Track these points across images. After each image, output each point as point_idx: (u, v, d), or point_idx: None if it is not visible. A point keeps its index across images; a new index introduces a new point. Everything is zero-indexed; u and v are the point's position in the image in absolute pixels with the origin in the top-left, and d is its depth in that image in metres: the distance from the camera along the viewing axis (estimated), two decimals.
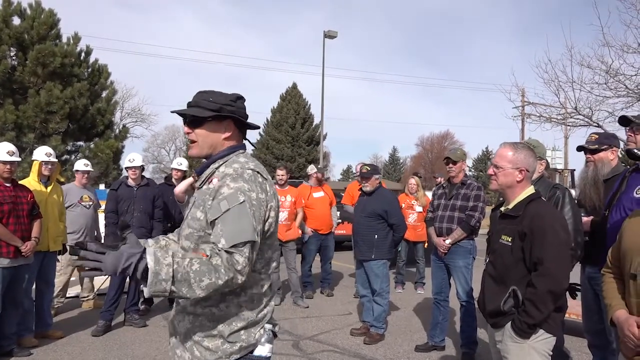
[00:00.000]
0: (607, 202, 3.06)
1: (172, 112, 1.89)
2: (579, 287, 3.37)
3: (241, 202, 1.65)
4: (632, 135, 2.93)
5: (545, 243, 2.26)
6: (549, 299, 2.25)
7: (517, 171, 2.44)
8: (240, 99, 1.90)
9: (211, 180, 1.78)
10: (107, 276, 1.77)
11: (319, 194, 7.43)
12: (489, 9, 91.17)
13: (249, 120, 1.95)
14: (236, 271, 1.59)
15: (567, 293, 3.30)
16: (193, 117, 1.82)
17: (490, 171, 2.52)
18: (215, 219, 1.65)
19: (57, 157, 5.65)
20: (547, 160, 3.79)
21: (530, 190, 2.47)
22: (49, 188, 5.16)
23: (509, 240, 2.39)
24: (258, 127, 2.05)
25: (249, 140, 2.00)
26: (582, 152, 3.66)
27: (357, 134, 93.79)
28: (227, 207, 1.64)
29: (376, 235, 5.19)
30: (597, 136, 3.65)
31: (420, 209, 7.90)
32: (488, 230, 2.77)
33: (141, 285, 1.56)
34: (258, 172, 1.76)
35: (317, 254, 7.47)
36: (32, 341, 4.81)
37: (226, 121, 1.85)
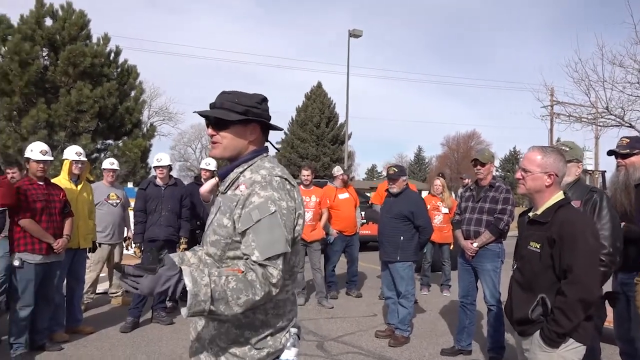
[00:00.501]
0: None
1: (194, 112, 1.85)
2: (616, 294, 3.29)
3: (272, 213, 1.63)
4: None
5: (575, 250, 2.21)
6: (579, 308, 2.20)
7: (546, 175, 2.39)
8: (265, 100, 1.86)
9: (237, 186, 1.75)
10: None
11: (344, 196, 7.43)
12: (516, 6, 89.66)
13: (271, 122, 1.91)
14: (271, 285, 1.60)
15: (607, 301, 3.24)
16: (218, 119, 1.77)
17: (518, 175, 2.47)
18: (246, 229, 1.64)
19: (86, 156, 5.77)
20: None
21: (559, 195, 2.42)
22: (79, 186, 5.27)
23: (538, 246, 2.35)
24: (282, 129, 2.03)
25: (271, 143, 1.95)
26: (613, 156, 3.58)
27: (382, 133, 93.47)
28: (258, 217, 1.63)
29: (402, 237, 5.16)
30: (628, 140, 3.56)
31: (446, 210, 7.83)
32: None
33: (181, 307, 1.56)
34: (286, 179, 1.74)
35: (343, 254, 7.48)
36: (63, 336, 4.93)
37: (252, 124, 1.81)
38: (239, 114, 1.76)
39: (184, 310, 1.53)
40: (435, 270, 8.15)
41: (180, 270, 1.55)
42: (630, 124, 14.06)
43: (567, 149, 3.24)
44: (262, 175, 1.72)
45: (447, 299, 7.33)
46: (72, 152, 5.24)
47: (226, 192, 1.79)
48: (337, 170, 7.69)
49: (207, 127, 1.83)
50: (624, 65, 13.54)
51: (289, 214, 1.68)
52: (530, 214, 2.50)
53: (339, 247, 7.33)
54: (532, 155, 2.44)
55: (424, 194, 8.63)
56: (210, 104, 1.83)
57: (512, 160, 59.37)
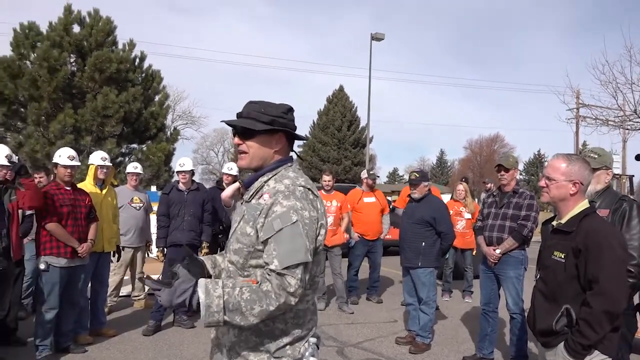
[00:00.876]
0: None
1: (222, 121, 1.88)
2: None
3: (294, 222, 1.64)
4: None
5: (601, 260, 2.16)
6: (605, 320, 2.14)
7: (571, 184, 2.34)
8: (291, 110, 1.87)
9: (261, 195, 1.76)
10: (158, 276, 1.84)
11: (370, 199, 7.41)
12: (540, 7, 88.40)
13: (296, 131, 1.92)
14: (288, 294, 1.60)
15: (638, 313, 3.15)
16: (245, 128, 1.79)
17: (542, 183, 2.42)
18: (268, 238, 1.65)
19: (111, 160, 5.87)
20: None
21: (584, 204, 2.37)
22: (104, 191, 5.36)
23: (562, 256, 2.30)
24: (307, 139, 2.06)
25: (296, 153, 1.96)
26: None
27: (403, 136, 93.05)
28: (280, 226, 1.64)
29: (423, 243, 5.11)
30: None
31: (468, 215, 7.74)
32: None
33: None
34: (309, 189, 1.75)
35: (365, 258, 7.45)
36: (87, 339, 5.02)
37: (278, 134, 1.83)
38: (265, 124, 1.78)
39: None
40: (457, 276, 8.05)
41: (196, 283, 1.62)
42: None
43: (596, 156, 3.16)
44: (286, 184, 1.73)
45: (469, 305, 7.24)
46: (98, 157, 5.34)
47: (250, 201, 1.80)
48: (363, 174, 7.78)
49: (234, 136, 1.85)
50: None
51: (311, 224, 1.68)
52: (554, 223, 2.45)
53: (360, 252, 7.31)
54: (557, 163, 2.39)
55: (446, 198, 8.55)
56: (237, 114, 1.85)
57: (537, 163, 58.50)
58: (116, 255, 5.64)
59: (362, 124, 36.35)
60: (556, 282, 2.33)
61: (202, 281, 1.61)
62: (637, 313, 3.13)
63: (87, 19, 14.85)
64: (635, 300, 3.13)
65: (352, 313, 6.54)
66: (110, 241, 5.35)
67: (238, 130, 1.82)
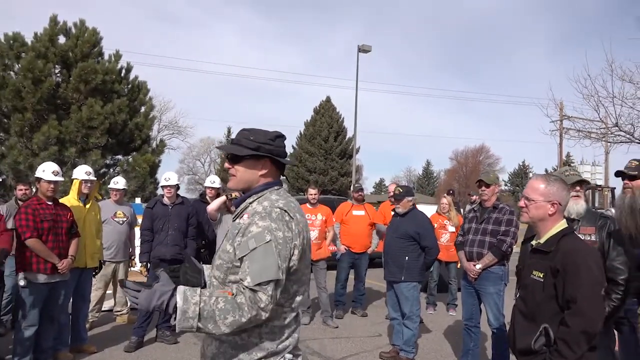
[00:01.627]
0: None
1: (216, 147, 2.06)
2: (621, 320, 3.25)
3: (267, 242, 1.74)
4: None
5: (579, 281, 2.20)
6: (582, 339, 2.18)
7: (550, 204, 2.38)
8: (279, 137, 2.01)
9: (242, 216, 1.88)
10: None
11: (359, 212, 7.44)
12: (525, 22, 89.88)
13: (286, 156, 2.05)
14: (259, 309, 1.69)
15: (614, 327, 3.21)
16: (233, 153, 1.95)
17: (522, 203, 2.47)
18: (244, 256, 1.75)
19: (96, 171, 5.83)
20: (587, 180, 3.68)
21: (562, 224, 2.41)
22: (88, 206, 5.31)
23: (541, 276, 2.33)
24: (295, 164, 2.14)
25: (286, 177, 2.09)
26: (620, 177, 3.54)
27: (390, 147, 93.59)
28: (254, 245, 1.74)
29: (407, 257, 5.13)
30: (637, 162, 3.51)
31: (452, 228, 7.80)
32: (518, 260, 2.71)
33: (172, 320, 1.70)
34: (286, 211, 1.83)
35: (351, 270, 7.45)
36: (67, 355, 4.94)
37: (263, 159, 1.96)
38: (250, 150, 1.93)
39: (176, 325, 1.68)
40: (442, 289, 8.08)
41: (175, 288, 1.72)
42: None
43: (574, 173, 3.24)
44: (264, 206, 1.85)
45: (453, 318, 7.27)
46: (82, 172, 5.29)
47: (235, 220, 1.94)
48: (354, 187, 7.88)
49: (226, 160, 2.02)
50: (633, 81, 13.51)
51: (284, 244, 1.77)
52: (533, 242, 2.49)
53: (346, 264, 7.32)
54: (536, 184, 2.43)
55: (430, 212, 8.60)
56: (231, 140, 2.04)
57: (521, 174, 59.14)
58: (97, 271, 5.57)
59: (349, 134, 36.51)
60: (535, 301, 2.36)
61: (181, 287, 1.71)
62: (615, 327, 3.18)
63: (73, 30, 14.72)
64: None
65: (337, 327, 6.53)
66: (93, 257, 5.28)
67: (228, 155, 1.98)
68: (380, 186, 67.50)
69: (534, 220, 2.44)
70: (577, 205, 3.33)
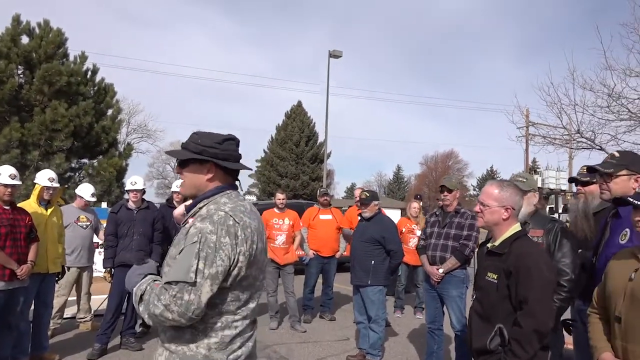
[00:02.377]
0: (594, 248, 3.05)
1: (166, 152, 2.18)
2: (571, 322, 3.36)
3: (193, 242, 1.71)
4: (604, 183, 2.88)
5: (530, 282, 2.27)
6: (534, 339, 2.25)
7: (503, 209, 2.46)
8: (228, 140, 1.95)
9: (187, 221, 1.86)
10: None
11: (326, 217, 7.47)
12: (491, 30, 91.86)
13: (236, 159, 1.98)
14: (164, 306, 1.68)
15: (563, 329, 3.32)
16: (180, 158, 1.95)
17: (477, 208, 2.54)
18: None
19: (61, 175, 5.71)
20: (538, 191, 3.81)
21: (516, 227, 2.49)
22: (49, 210, 5.19)
23: (495, 277, 2.41)
24: (249, 169, 2.12)
25: (239, 182, 2.04)
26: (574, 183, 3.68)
27: (361, 152, 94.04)
28: (182, 246, 1.74)
29: (373, 261, 5.18)
30: (586, 169, 3.66)
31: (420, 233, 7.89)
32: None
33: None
34: (231, 216, 1.78)
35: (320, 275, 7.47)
36: None
37: (208, 164, 1.91)
38: (193, 153, 1.90)
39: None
40: (409, 291, 8.17)
41: (145, 275, 1.88)
42: (600, 146, 14.39)
43: (524, 180, 3.35)
44: (209, 209, 1.82)
45: (420, 321, 7.35)
46: (45, 178, 5.16)
47: (183, 225, 1.90)
48: (319, 191, 7.90)
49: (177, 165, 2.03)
50: (594, 89, 13.95)
51: (216, 248, 1.71)
52: (489, 245, 2.56)
53: (315, 269, 7.33)
54: (490, 190, 2.51)
55: (394, 216, 8.71)
56: (181, 144, 2.00)
57: (489, 179, 60.24)
58: (60, 276, 5.45)
59: (320, 139, 36.64)
60: (489, 302, 2.43)
61: (149, 277, 1.86)
62: (564, 328, 3.28)
63: (37, 30, 14.39)
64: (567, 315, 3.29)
65: (305, 332, 6.54)
66: (54, 262, 5.16)
67: (177, 160, 1.99)
68: (351, 191, 67.83)
69: (489, 225, 2.52)
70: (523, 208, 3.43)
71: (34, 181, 5.28)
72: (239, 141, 2.01)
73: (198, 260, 1.68)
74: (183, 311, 1.66)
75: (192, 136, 1.96)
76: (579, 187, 3.66)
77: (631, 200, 2.16)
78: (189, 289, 1.66)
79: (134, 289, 1.82)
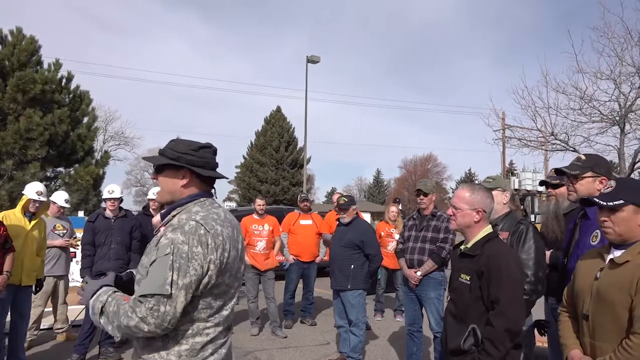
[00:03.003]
0: (564, 250, 3.13)
1: (142, 158, 2.18)
2: (544, 323, 3.44)
3: (165, 254, 1.72)
4: (571, 184, 2.98)
5: (501, 283, 2.34)
6: (506, 338, 2.32)
7: (475, 212, 2.53)
8: (204, 148, 1.96)
9: (159, 230, 1.87)
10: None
11: (306, 222, 7.50)
12: (466, 35, 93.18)
13: (212, 167, 2.00)
14: (139, 318, 1.67)
15: (535, 329, 3.40)
16: (156, 164, 1.96)
17: (450, 212, 2.61)
18: (148, 268, 1.76)
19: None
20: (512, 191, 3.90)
21: (487, 229, 2.56)
22: (32, 223, 5.11)
23: (468, 279, 2.47)
24: (225, 177, 2.13)
25: (214, 190, 2.05)
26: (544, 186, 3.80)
27: (341, 156, 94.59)
28: (154, 257, 1.74)
29: (352, 265, 5.22)
30: (555, 172, 3.77)
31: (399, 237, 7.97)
32: None
33: None
34: (202, 224, 1.78)
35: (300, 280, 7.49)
36: None
37: (183, 170, 1.93)
38: (167, 159, 1.92)
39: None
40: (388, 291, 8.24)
41: (100, 287, 1.86)
42: (574, 148, 14.74)
43: (491, 180, 3.45)
44: (180, 219, 1.82)
45: (400, 324, 7.42)
46: (33, 191, 5.06)
47: (156, 234, 1.89)
48: (299, 197, 7.93)
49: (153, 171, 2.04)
50: (566, 92, 14.31)
51: (188, 258, 1.72)
52: (462, 247, 2.63)
53: (295, 274, 7.35)
54: (461, 193, 2.58)
55: (368, 219, 8.76)
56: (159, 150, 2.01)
57: (468, 182, 60.93)
58: (36, 289, 5.36)
59: (300, 144, 36.68)
60: (463, 303, 2.49)
61: (104, 288, 1.84)
62: (536, 329, 3.36)
63: (9, 38, 14.16)
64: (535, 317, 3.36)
65: (286, 337, 6.55)
66: (30, 275, 5.05)
67: (154, 166, 1.98)
68: (332, 195, 68.01)
69: (462, 227, 2.59)
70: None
71: (22, 192, 5.19)
72: (216, 149, 2.02)
73: (172, 272, 1.69)
74: (160, 322, 1.68)
75: (169, 143, 1.97)
76: (549, 190, 3.77)
77: (596, 200, 2.25)
78: (165, 300, 1.68)
79: (91, 301, 1.81)
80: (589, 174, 2.88)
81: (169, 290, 1.68)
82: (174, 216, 1.88)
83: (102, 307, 1.75)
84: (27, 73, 13.43)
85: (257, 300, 6.79)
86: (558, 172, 3.15)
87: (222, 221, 1.87)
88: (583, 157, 3.01)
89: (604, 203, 2.20)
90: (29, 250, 5.01)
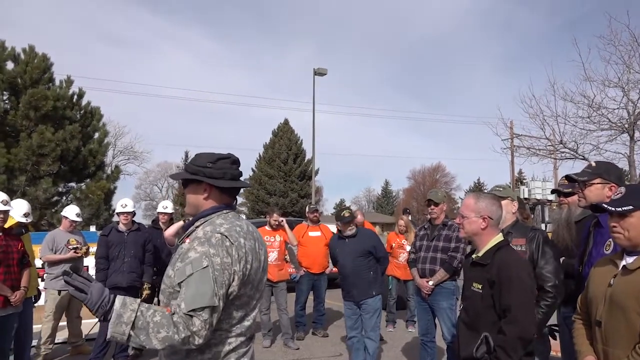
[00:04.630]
0: (579, 258, 3.15)
1: (169, 176, 2.12)
2: (556, 328, 3.46)
3: (204, 267, 1.74)
4: (581, 191, 3.00)
5: (511, 291, 2.37)
6: (518, 346, 2.34)
7: (481, 219, 2.57)
8: (222, 159, 2.00)
9: (185, 240, 1.89)
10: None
11: (315, 234, 7.52)
12: (473, 45, 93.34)
13: (232, 178, 2.03)
14: (192, 332, 1.68)
15: (548, 334, 3.41)
16: (183, 179, 2.04)
17: (458, 220, 2.65)
18: (181, 282, 1.75)
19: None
20: (521, 200, 3.94)
21: (498, 237, 2.59)
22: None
23: (479, 287, 2.50)
24: (248, 186, 2.20)
25: (235, 200, 2.10)
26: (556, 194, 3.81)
27: (349, 168, 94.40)
28: (191, 271, 1.74)
29: (372, 272, 5.18)
30: (567, 180, 3.80)
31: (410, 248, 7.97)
32: None
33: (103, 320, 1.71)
34: (226, 237, 1.83)
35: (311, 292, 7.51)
36: None
37: (203, 184, 1.98)
38: (189, 174, 1.98)
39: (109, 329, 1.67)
40: (400, 307, 8.23)
41: (111, 293, 1.74)
42: (583, 156, 14.68)
43: (501, 189, 3.49)
44: (205, 231, 1.86)
45: (412, 334, 7.40)
46: (20, 215, 5.05)
47: (180, 244, 1.93)
48: (309, 207, 7.96)
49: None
50: (574, 101, 14.29)
51: (222, 270, 1.77)
52: (473, 256, 2.66)
53: (306, 286, 7.37)
54: (467, 201, 2.63)
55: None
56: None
57: (477, 192, 60.67)
58: (36, 299, 5.41)
59: (308, 156, 36.76)
60: (475, 311, 2.52)
61: (120, 296, 1.72)
62: (549, 334, 3.37)
63: (22, 56, 14.43)
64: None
65: (298, 349, 6.56)
66: (32, 285, 5.07)
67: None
68: (340, 207, 67.94)
69: (470, 235, 2.63)
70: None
71: None
72: (236, 159, 2.05)
73: (215, 284, 1.73)
74: (208, 334, 1.72)
75: (193, 158, 2.05)
76: (561, 198, 3.80)
77: (605, 206, 2.27)
78: (214, 313, 1.73)
79: (118, 309, 1.67)
80: (598, 180, 2.91)
81: (216, 302, 1.72)
82: (197, 227, 1.92)
83: (134, 317, 1.66)
84: (39, 90, 13.67)
85: (269, 312, 6.82)
86: (569, 179, 3.18)
87: (245, 233, 1.91)
88: (593, 164, 3.04)
89: (613, 209, 2.22)
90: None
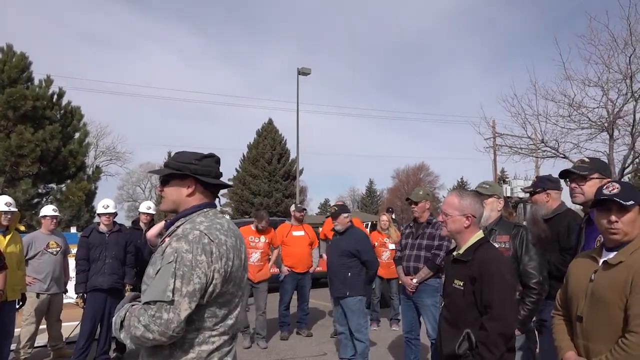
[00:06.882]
0: (572, 256, 3.17)
1: (149, 172, 2.10)
2: (545, 323, 3.47)
3: (169, 262, 1.74)
4: (577, 186, 2.97)
5: (493, 287, 2.38)
6: (500, 341, 2.35)
7: (464, 217, 2.58)
8: (207, 157, 2.02)
9: (165, 240, 1.88)
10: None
11: (298, 233, 7.50)
12: (455, 43, 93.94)
13: (216, 176, 2.05)
14: (143, 326, 1.70)
15: (535, 330, 3.44)
16: (162, 176, 2.02)
17: (440, 218, 2.65)
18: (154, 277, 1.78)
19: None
20: (504, 197, 4.01)
21: (479, 234, 2.60)
22: (7, 237, 5.10)
23: (461, 284, 2.50)
24: (230, 186, 2.18)
25: (219, 199, 2.10)
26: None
27: (333, 167, 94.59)
28: (159, 266, 1.77)
29: (349, 273, 5.22)
30: (535, 180, 3.92)
31: (392, 246, 7.96)
32: None
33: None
34: (206, 234, 1.81)
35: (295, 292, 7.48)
36: None
37: (188, 179, 1.97)
38: (173, 170, 1.96)
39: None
40: (384, 305, 8.25)
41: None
42: (564, 154, 14.87)
43: (487, 187, 3.53)
44: (184, 228, 1.85)
45: (396, 333, 7.42)
46: (2, 203, 5.07)
47: (161, 244, 1.91)
48: (292, 208, 7.92)
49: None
50: (555, 100, 14.47)
51: (192, 266, 1.74)
52: (454, 253, 2.66)
53: (290, 286, 7.34)
54: (451, 200, 2.63)
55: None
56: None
57: (459, 189, 61.12)
58: (20, 304, 5.32)
59: (292, 156, 36.68)
60: (457, 308, 2.52)
61: (127, 305, 1.84)
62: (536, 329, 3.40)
63: (0, 55, 14.21)
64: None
65: (265, 348, 6.53)
66: (14, 289, 5.03)
67: (159, 179, 2.06)
68: (325, 207, 67.93)
69: (452, 233, 2.63)
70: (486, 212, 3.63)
71: None
72: (219, 159, 2.07)
73: (174, 279, 1.71)
74: (163, 330, 1.68)
75: (173, 155, 2.04)
76: (529, 198, 3.92)
77: (617, 200, 2.18)
78: (167, 307, 1.69)
79: (114, 318, 1.83)
80: (596, 175, 2.93)
81: (171, 297, 1.69)
82: (178, 227, 1.90)
83: (121, 322, 1.78)
84: (18, 90, 13.45)
85: (246, 311, 6.76)
86: (564, 174, 3.16)
87: (226, 231, 1.90)
88: (587, 160, 3.04)
89: (625, 202, 2.19)
90: (8, 265, 4.93)
